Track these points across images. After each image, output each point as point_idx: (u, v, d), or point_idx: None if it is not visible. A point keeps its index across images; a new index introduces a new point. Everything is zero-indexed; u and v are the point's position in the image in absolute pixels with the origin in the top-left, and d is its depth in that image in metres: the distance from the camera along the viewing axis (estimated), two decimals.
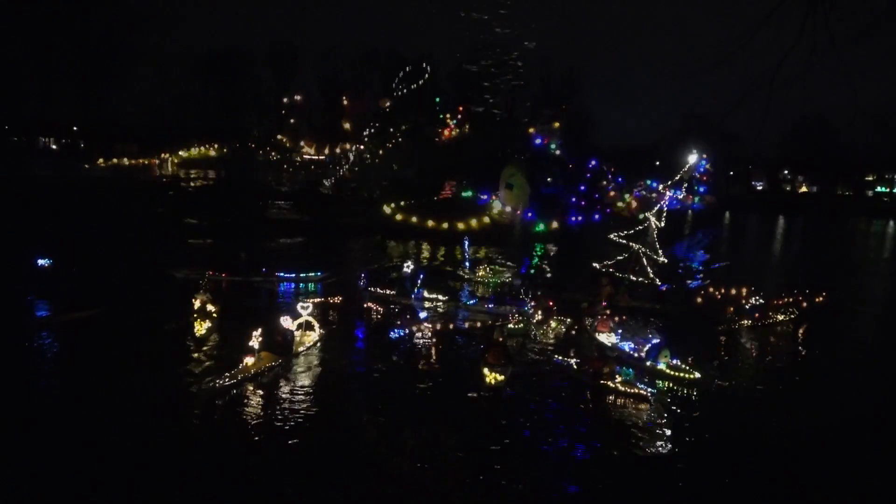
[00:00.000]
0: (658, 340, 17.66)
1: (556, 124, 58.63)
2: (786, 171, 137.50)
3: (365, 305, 23.28)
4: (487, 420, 14.12)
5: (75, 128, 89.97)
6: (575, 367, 17.14)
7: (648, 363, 17.35)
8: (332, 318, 21.97)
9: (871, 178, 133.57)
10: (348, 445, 12.55)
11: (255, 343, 16.14)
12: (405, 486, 10.89)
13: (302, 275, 28.09)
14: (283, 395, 15.01)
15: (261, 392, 15.18)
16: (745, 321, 22.62)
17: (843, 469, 12.67)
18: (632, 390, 15.67)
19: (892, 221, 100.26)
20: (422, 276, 25.58)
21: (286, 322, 17.49)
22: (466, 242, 31.13)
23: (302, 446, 12.49)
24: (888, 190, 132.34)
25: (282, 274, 27.88)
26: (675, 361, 17.07)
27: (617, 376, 16.08)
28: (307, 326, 18.59)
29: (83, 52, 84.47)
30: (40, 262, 25.50)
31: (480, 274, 29.67)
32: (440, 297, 25.09)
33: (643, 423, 14.38)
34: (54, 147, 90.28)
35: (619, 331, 19.76)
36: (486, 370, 16.14)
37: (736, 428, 14.32)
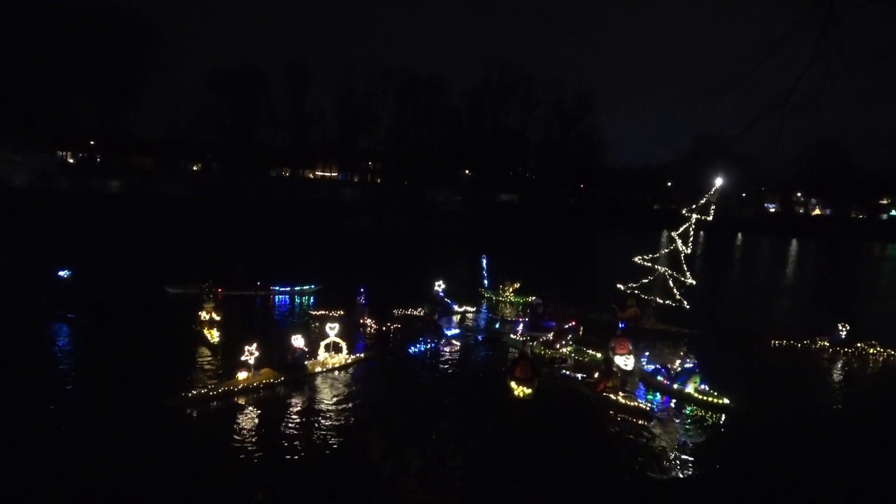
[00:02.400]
0: (691, 365, 17.37)
1: None
2: (799, 194, 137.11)
3: (362, 321, 23.01)
4: (493, 440, 13.86)
5: (92, 142, 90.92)
6: (580, 380, 17.32)
7: (676, 386, 17.06)
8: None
9: (885, 202, 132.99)
10: (352, 464, 12.30)
11: (248, 358, 15.89)
12: None
13: (297, 287, 28.32)
14: (287, 413, 14.72)
15: (259, 408, 14.89)
16: (826, 344, 23.11)
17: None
18: (633, 403, 15.71)
19: None
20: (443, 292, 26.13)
21: (298, 341, 17.15)
22: (485, 260, 30.61)
23: (305, 464, 12.28)
24: None
25: (276, 287, 27.99)
26: (703, 386, 16.75)
27: (620, 392, 16.11)
28: (334, 347, 18.17)
29: (102, 67, 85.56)
30: (61, 273, 25.88)
31: (504, 292, 29.48)
32: (469, 308, 26.07)
33: (657, 446, 14.10)
34: (71, 161, 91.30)
35: (647, 353, 19.49)
36: (513, 384, 16.43)
37: (751, 455, 13.93)
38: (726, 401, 16.28)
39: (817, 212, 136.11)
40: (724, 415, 16.03)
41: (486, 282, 30.14)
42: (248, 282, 27.75)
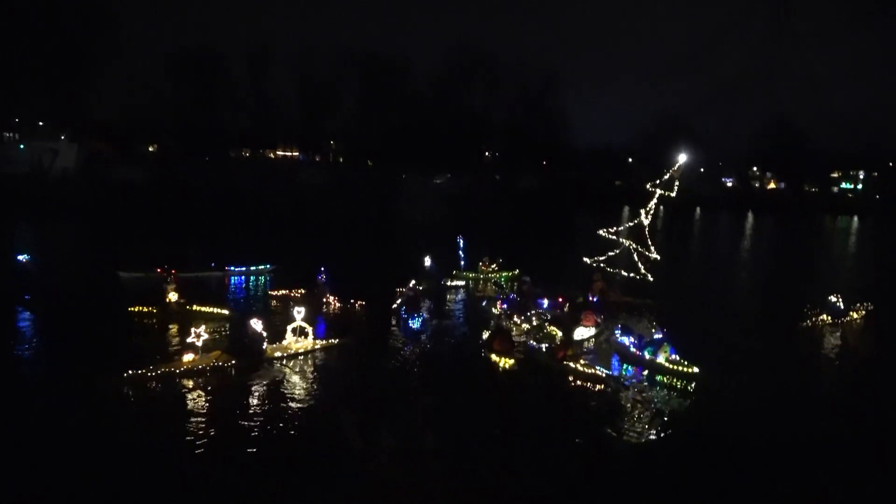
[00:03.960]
0: (660, 336, 17.87)
1: None
2: (755, 168, 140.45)
3: (325, 299, 22.99)
4: (466, 417, 14.03)
5: (41, 122, 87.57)
6: (544, 350, 18.01)
7: (647, 357, 17.51)
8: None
9: (836, 175, 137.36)
10: (317, 444, 12.29)
11: (194, 340, 15.76)
12: (384, 484, 10.77)
13: (252, 268, 28.34)
14: (244, 395, 14.55)
15: (213, 391, 14.70)
16: (826, 318, 23.57)
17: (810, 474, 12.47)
18: (590, 371, 16.50)
19: (857, 218, 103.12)
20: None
21: (257, 325, 16.80)
22: (461, 241, 30.56)
23: (280, 445, 12.21)
24: (852, 186, 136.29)
25: (232, 267, 27.91)
26: (674, 356, 17.24)
27: (581, 360, 17.07)
28: (300, 332, 17.80)
29: (50, 48, 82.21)
30: (19, 257, 26.04)
31: (484, 270, 29.85)
32: (459, 283, 27.87)
33: (626, 418, 14.49)
34: (22, 147, 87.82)
35: (619, 325, 19.93)
36: (493, 356, 17.34)
37: (716, 423, 14.38)
38: (695, 369, 16.79)
39: (772, 186, 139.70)
40: (693, 383, 16.51)
41: (462, 262, 30.21)
42: (203, 263, 27.51)
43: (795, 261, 47.53)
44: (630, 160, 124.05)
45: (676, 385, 16.48)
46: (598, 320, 21.01)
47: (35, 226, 43.78)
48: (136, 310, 20.72)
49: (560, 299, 22.81)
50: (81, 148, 75.36)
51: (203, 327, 16.26)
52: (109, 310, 21.20)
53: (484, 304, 24.13)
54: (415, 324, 20.93)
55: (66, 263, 29.38)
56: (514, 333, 19.69)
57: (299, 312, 17.86)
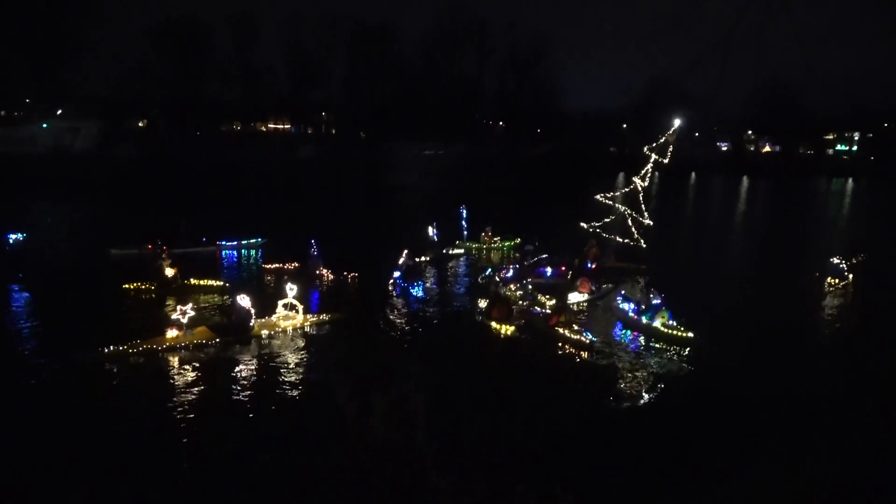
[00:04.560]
0: (658, 301, 17.90)
1: None
2: (750, 132, 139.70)
3: (318, 272, 22.99)
4: (460, 383, 14.08)
5: (28, 100, 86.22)
6: (538, 315, 18.31)
7: (644, 321, 17.55)
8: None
9: (830, 137, 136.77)
10: (316, 415, 12.26)
11: (179, 316, 15.65)
12: (376, 447, 10.80)
13: (243, 241, 28.30)
14: (232, 371, 14.50)
15: (199, 367, 14.63)
16: (835, 280, 23.63)
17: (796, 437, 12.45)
18: (576, 337, 16.62)
19: (851, 180, 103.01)
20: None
21: (244, 301, 16.51)
22: (463, 210, 30.17)
23: (269, 417, 12.24)
24: (847, 148, 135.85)
25: (223, 242, 27.85)
26: (672, 322, 17.28)
27: (574, 326, 17.30)
28: (291, 308, 17.51)
29: (34, 22, 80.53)
30: (12, 236, 26.07)
31: (487, 239, 29.72)
32: (459, 252, 28.18)
33: (623, 383, 14.57)
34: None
35: (622, 291, 20.02)
36: (493, 324, 17.59)
37: (711, 386, 14.42)
38: (690, 334, 16.83)
39: (767, 149, 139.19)
40: (689, 347, 16.57)
41: (465, 232, 29.93)
42: (193, 238, 27.38)
43: (788, 223, 47.57)
44: (624, 126, 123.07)
45: (672, 350, 16.54)
46: (593, 288, 21.11)
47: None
48: (133, 286, 20.56)
49: (563, 268, 22.85)
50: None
51: (190, 304, 16.14)
52: (101, 286, 21.06)
53: (488, 272, 24.03)
54: (416, 291, 21.01)
55: (62, 241, 29.26)
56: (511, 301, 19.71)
57: (291, 289, 17.61)
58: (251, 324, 16.52)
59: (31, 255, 24.80)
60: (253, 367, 14.74)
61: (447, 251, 27.68)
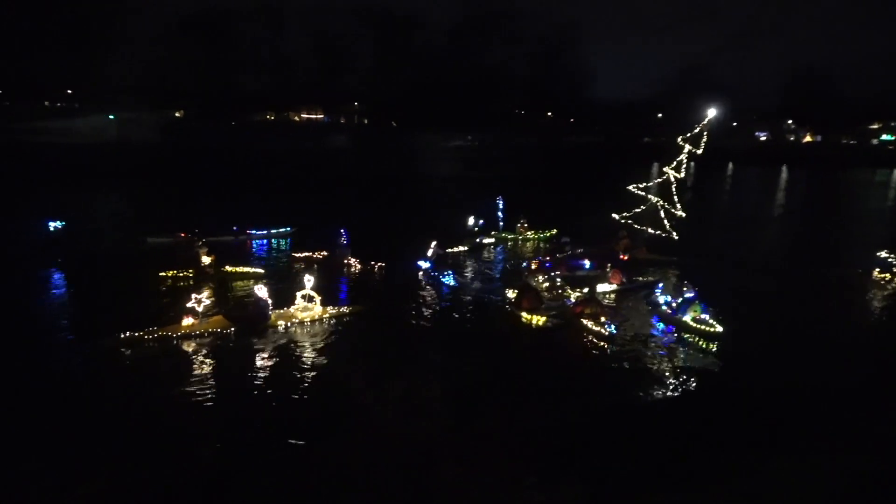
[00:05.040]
0: (691, 295, 17.48)
1: None
2: (790, 122, 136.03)
3: (346, 261, 23.04)
4: (471, 370, 13.94)
5: (69, 91, 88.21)
6: (565, 304, 18.37)
7: (678, 316, 17.17)
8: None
9: (875, 127, 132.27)
10: (332, 396, 12.33)
11: (194, 305, 15.69)
12: (392, 434, 10.66)
13: (273, 231, 28.59)
14: (261, 358, 14.61)
15: (216, 354, 14.74)
16: (885, 275, 23.00)
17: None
18: (597, 328, 16.49)
19: None
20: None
21: (261, 292, 16.52)
22: (500, 201, 29.76)
23: (287, 398, 12.36)
24: (894, 138, 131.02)
25: (253, 231, 28.10)
26: (704, 315, 16.85)
27: (602, 318, 16.89)
28: (309, 299, 17.35)
29: (74, 14, 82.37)
30: (52, 224, 26.80)
31: (522, 230, 29.44)
32: (489, 241, 28.00)
33: (643, 374, 14.34)
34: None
35: (661, 285, 19.76)
36: (524, 314, 17.51)
37: (738, 379, 14.16)
38: (720, 329, 16.43)
39: (808, 139, 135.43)
40: (718, 342, 16.15)
41: (501, 223, 29.50)
42: (225, 228, 27.62)
43: (829, 215, 46.07)
44: (659, 115, 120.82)
45: (703, 343, 16.13)
46: (624, 279, 20.79)
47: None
48: (170, 274, 20.74)
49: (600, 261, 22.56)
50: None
51: (206, 293, 16.18)
52: (135, 273, 21.30)
53: (524, 265, 23.69)
54: (447, 280, 20.98)
55: (102, 228, 29.90)
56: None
57: (309, 280, 17.46)
58: (268, 314, 16.47)
59: (70, 242, 25.40)
60: (269, 356, 14.73)
61: (481, 240, 27.58)
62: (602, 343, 15.94)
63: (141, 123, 71.71)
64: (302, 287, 17.45)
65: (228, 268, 21.55)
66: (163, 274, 20.71)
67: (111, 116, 71.80)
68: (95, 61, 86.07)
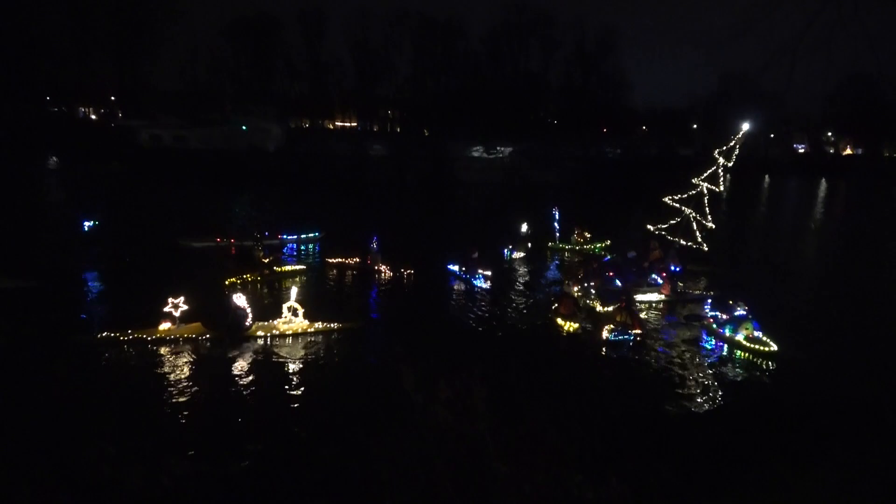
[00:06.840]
0: (742, 313, 17.35)
1: None
2: (829, 133, 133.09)
3: (377, 267, 23.29)
4: (518, 373, 14.21)
5: (112, 97, 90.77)
6: (601, 311, 18.77)
7: (728, 333, 17.13)
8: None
9: None
10: (384, 396, 12.73)
11: (170, 309, 15.48)
12: (441, 431, 10.97)
13: (302, 235, 29.30)
14: (238, 367, 14.56)
15: (195, 361, 14.71)
16: None
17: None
18: (622, 337, 16.75)
19: None
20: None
21: (240, 300, 15.93)
22: (556, 211, 29.62)
23: (336, 396, 12.93)
24: None
25: (284, 236, 28.80)
26: (757, 333, 16.65)
27: (636, 329, 17.05)
28: (293, 312, 16.54)
29: (118, 19, 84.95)
30: (87, 223, 27.68)
31: (579, 241, 29.46)
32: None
33: (681, 382, 14.46)
34: (93, 117, 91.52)
35: (709, 300, 19.94)
36: (559, 320, 17.64)
37: (781, 393, 14.11)
38: (774, 347, 16.25)
39: (848, 151, 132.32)
40: (772, 361, 15.99)
41: (557, 234, 29.39)
42: (256, 232, 27.61)
43: (871, 228, 45.27)
44: (695, 126, 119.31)
45: (755, 361, 16.07)
46: (672, 290, 20.95)
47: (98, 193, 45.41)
48: (235, 280, 20.81)
49: (663, 275, 22.42)
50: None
51: (181, 298, 15.72)
52: (170, 276, 21.41)
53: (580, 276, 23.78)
54: (479, 283, 21.55)
55: (134, 230, 30.61)
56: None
57: (294, 292, 16.99)
58: (247, 324, 15.97)
59: (104, 243, 26.27)
60: (240, 366, 14.56)
61: (536, 248, 28.29)
62: (630, 348, 16.21)
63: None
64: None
65: (275, 268, 22.62)
66: (230, 281, 20.71)
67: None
68: (136, 65, 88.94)
